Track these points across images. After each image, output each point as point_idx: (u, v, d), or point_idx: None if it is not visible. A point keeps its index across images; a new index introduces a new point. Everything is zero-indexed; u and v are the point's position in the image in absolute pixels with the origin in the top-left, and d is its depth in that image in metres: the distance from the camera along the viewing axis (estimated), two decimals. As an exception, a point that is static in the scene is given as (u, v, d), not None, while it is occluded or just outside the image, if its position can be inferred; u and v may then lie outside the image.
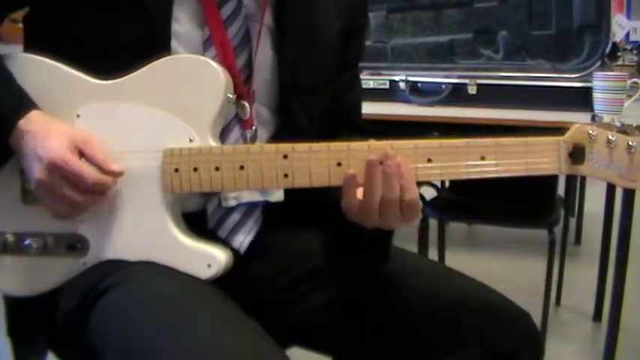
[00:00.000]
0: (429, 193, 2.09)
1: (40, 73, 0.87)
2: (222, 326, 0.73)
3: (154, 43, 0.86)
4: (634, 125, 0.83)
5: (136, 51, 0.85)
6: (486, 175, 0.81)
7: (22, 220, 0.87)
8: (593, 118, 1.78)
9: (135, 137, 0.85)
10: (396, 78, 2.25)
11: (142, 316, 0.75)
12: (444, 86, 2.17)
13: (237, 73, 0.89)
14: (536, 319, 0.96)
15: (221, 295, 0.81)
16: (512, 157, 0.81)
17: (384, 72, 2.37)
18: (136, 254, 0.85)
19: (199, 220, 0.89)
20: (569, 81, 2.07)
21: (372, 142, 0.81)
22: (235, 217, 0.90)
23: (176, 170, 0.83)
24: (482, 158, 0.81)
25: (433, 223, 2.24)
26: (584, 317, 2.37)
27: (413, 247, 2.05)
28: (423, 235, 2.20)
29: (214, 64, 0.85)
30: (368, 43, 2.38)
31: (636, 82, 1.94)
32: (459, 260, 1.87)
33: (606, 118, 1.67)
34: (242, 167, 0.82)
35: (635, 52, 3.71)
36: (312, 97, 0.97)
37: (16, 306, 0.92)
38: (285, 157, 0.82)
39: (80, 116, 0.86)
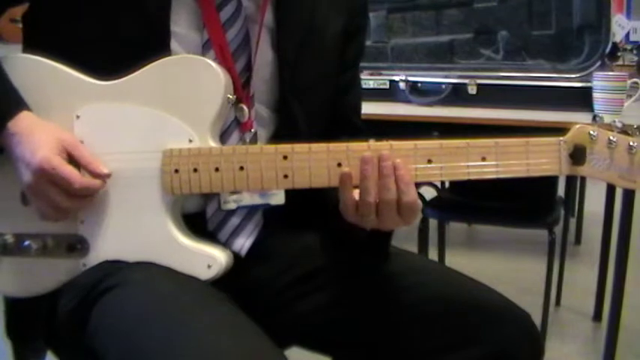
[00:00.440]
0: (429, 193, 2.08)
1: (39, 74, 0.87)
2: (221, 327, 0.73)
3: (153, 43, 0.86)
4: (635, 126, 0.83)
5: (136, 51, 0.85)
6: (487, 176, 0.81)
7: (21, 221, 0.87)
8: (594, 119, 1.77)
9: (134, 138, 0.85)
10: (396, 78, 2.25)
11: (142, 316, 0.75)
12: (443, 86, 2.17)
13: (236, 76, 0.89)
14: (536, 319, 0.96)
15: (220, 296, 0.81)
16: (512, 158, 0.81)
17: (384, 72, 2.37)
18: (135, 255, 0.85)
19: (199, 222, 0.88)
20: (569, 81, 2.07)
21: (372, 143, 0.81)
22: (235, 220, 0.90)
23: (176, 171, 0.83)
24: (483, 159, 0.80)
25: (433, 223, 2.23)
26: (584, 317, 2.36)
27: (413, 247, 2.05)
28: (423, 235, 2.20)
29: (214, 64, 0.85)
30: (368, 43, 2.38)
31: (636, 82, 1.94)
32: (459, 260, 1.88)
33: (606, 119, 1.67)
34: (242, 168, 0.82)
35: (635, 52, 3.70)
36: (312, 97, 0.97)
37: (16, 307, 0.92)
38: (285, 157, 0.81)
39: (80, 117, 0.86)
